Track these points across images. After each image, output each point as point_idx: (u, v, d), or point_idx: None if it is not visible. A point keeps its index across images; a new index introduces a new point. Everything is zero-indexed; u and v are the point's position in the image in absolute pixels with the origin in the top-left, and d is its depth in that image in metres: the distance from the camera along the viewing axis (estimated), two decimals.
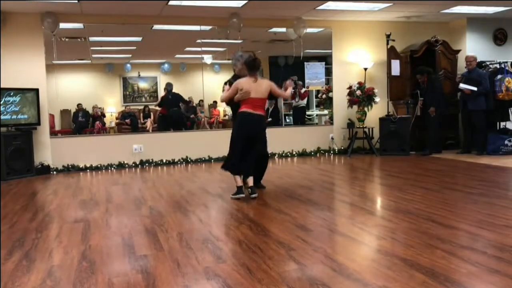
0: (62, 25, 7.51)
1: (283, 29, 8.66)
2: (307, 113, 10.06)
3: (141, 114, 10.10)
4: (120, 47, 9.58)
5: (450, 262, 2.76)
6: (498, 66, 8.22)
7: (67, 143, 7.86)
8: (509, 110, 8.25)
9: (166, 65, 10.18)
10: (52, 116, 8.43)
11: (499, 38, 9.27)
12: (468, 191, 4.94)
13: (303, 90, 9.50)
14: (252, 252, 3.09)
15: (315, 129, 9.32)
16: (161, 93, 9.86)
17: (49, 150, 7.54)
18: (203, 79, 9.00)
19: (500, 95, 7.93)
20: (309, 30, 8.57)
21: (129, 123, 9.72)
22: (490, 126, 8.26)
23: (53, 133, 8.17)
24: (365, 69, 8.82)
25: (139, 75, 10.28)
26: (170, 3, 6.97)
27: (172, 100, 9.33)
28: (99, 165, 7.76)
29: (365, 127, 8.50)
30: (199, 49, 9.08)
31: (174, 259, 3.00)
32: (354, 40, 8.96)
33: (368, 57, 8.90)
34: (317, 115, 10.14)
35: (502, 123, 8.42)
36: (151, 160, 8.03)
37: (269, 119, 8.86)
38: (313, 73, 9.16)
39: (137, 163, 7.96)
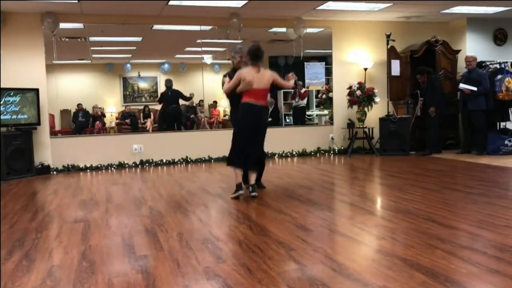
0: (62, 25, 7.52)
1: (283, 29, 8.66)
2: (307, 113, 10.06)
3: (141, 114, 10.10)
4: (120, 47, 9.58)
5: (450, 262, 2.76)
6: (498, 66, 8.22)
7: (67, 143, 7.86)
8: (509, 110, 8.25)
9: (166, 65, 10.18)
10: (52, 116, 8.43)
11: (499, 38, 9.27)
12: (468, 191, 4.94)
13: (303, 90, 9.51)
14: (252, 252, 3.09)
15: (315, 129, 9.32)
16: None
17: (49, 150, 7.54)
18: (203, 79, 9.00)
19: (500, 95, 7.93)
20: (309, 30, 8.57)
21: (129, 123, 9.72)
22: (490, 126, 8.26)
23: (53, 133, 8.17)
24: (365, 69, 8.82)
25: (139, 75, 10.28)
26: (170, 3, 6.97)
27: (171, 96, 9.34)
28: (99, 165, 7.76)
29: (365, 127, 8.50)
30: (199, 49, 9.08)
31: (174, 259, 3.00)
32: (354, 40, 8.96)
33: (368, 57, 8.90)
34: (317, 115, 10.14)
35: (502, 123, 8.42)
36: (151, 160, 8.03)
37: (269, 119, 8.85)
38: (313, 73, 9.16)
39: (137, 163, 7.96)
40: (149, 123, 9.87)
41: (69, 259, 3.07)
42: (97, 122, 9.43)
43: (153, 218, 4.17)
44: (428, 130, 8.30)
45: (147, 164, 7.99)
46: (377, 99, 8.36)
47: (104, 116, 9.80)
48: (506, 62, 8.19)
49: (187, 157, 8.21)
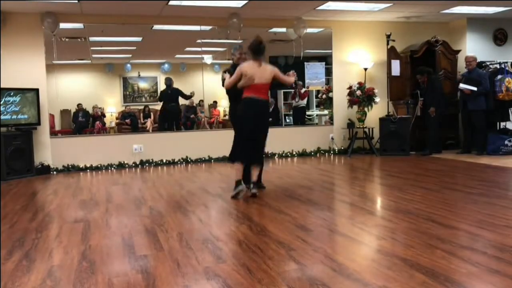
0: (62, 25, 7.52)
1: (283, 29, 8.66)
2: (307, 113, 10.06)
3: (141, 114, 10.09)
4: (120, 47, 9.57)
5: (450, 262, 2.76)
6: (498, 66, 8.22)
7: (67, 143, 7.86)
8: (509, 110, 8.25)
9: (166, 65, 10.17)
10: (52, 116, 8.42)
11: (499, 38, 9.28)
12: (468, 191, 4.94)
13: (303, 90, 9.50)
14: (252, 252, 3.09)
15: (315, 129, 9.32)
16: None
17: (49, 150, 7.55)
18: (203, 79, 9.00)
19: (500, 95, 7.93)
20: (309, 30, 8.57)
21: (129, 123, 9.72)
22: (490, 126, 8.26)
23: (53, 133, 8.17)
24: (365, 69, 8.82)
25: (139, 75, 10.27)
26: (170, 3, 6.97)
27: (171, 94, 9.34)
28: (99, 165, 7.76)
29: (365, 127, 8.50)
30: (199, 49, 9.08)
31: (174, 259, 3.00)
32: (354, 40, 8.96)
33: (368, 57, 8.90)
34: (317, 115, 10.14)
35: (502, 123, 8.42)
36: (151, 160, 8.03)
37: (270, 119, 8.84)
38: (313, 73, 9.16)
39: (137, 163, 7.96)
40: (149, 123, 9.87)
41: (69, 259, 3.07)
42: (97, 122, 9.43)
43: (153, 218, 4.17)
44: (428, 130, 8.30)
45: (147, 164, 7.99)
46: (377, 99, 8.36)
47: (104, 116, 9.79)
48: (506, 62, 8.19)
49: (187, 157, 8.21)
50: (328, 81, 9.28)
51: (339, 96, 8.76)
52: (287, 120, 10.00)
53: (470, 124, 8.09)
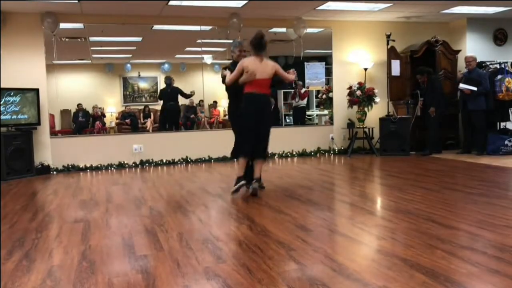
0: (62, 25, 7.52)
1: (283, 29, 8.66)
2: (307, 113, 10.06)
3: (141, 114, 10.09)
4: (120, 47, 9.58)
5: (450, 262, 2.76)
6: (498, 66, 8.22)
7: (67, 143, 7.86)
8: (509, 110, 8.25)
9: (166, 65, 10.17)
10: (52, 116, 8.42)
11: (499, 38, 9.28)
12: (468, 191, 4.94)
13: (303, 90, 9.50)
14: (252, 252, 3.09)
15: (315, 129, 9.32)
16: None
17: (49, 150, 7.55)
18: (203, 79, 9.00)
19: (500, 95, 7.93)
20: (309, 30, 8.57)
21: (129, 123, 9.72)
22: (490, 126, 8.26)
23: (53, 133, 8.17)
24: (365, 69, 8.82)
25: (139, 75, 10.27)
26: (170, 3, 6.97)
27: (170, 93, 9.35)
28: (99, 165, 7.76)
29: (365, 127, 8.50)
30: (199, 49, 9.08)
31: (174, 259, 3.00)
32: (354, 40, 8.96)
33: (368, 57, 8.90)
34: (317, 115, 10.14)
35: (502, 123, 8.42)
36: (151, 160, 8.03)
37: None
38: (313, 73, 9.16)
39: (137, 163, 7.96)
40: (149, 123, 9.87)
41: (69, 259, 3.07)
42: (97, 122, 9.43)
43: (153, 218, 4.17)
44: (428, 130, 8.30)
45: (147, 164, 7.99)
46: (377, 99, 8.36)
47: (104, 116, 9.79)
48: (506, 62, 8.19)
49: (187, 157, 8.21)
50: (328, 81, 9.28)
51: (339, 96, 8.76)
52: (287, 120, 10.00)
53: (470, 124, 8.09)
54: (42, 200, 5.37)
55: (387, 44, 8.52)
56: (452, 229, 3.49)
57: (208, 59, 9.28)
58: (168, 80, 9.43)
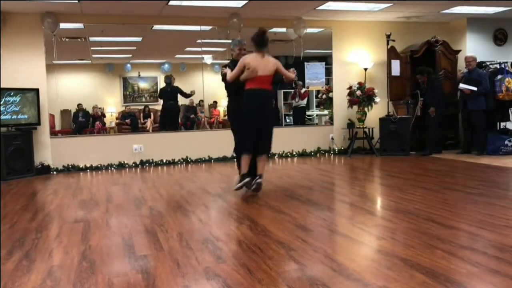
0: (62, 25, 7.52)
1: (283, 29, 8.66)
2: (307, 113, 10.05)
3: (141, 114, 10.09)
4: (120, 47, 9.57)
5: (450, 262, 2.76)
6: (498, 66, 8.22)
7: (67, 143, 7.86)
8: (509, 110, 8.26)
9: (166, 65, 10.17)
10: (52, 116, 8.42)
11: (499, 38, 9.28)
12: (468, 191, 4.94)
13: (303, 90, 9.50)
14: (252, 252, 3.09)
15: (315, 129, 9.32)
16: None
17: (49, 150, 7.55)
18: (203, 79, 9.00)
19: (500, 95, 7.93)
20: (309, 30, 8.57)
21: (129, 123, 9.71)
22: (490, 126, 8.26)
23: (53, 133, 8.17)
24: (365, 69, 8.82)
25: (139, 75, 10.27)
26: (170, 3, 6.97)
27: (170, 92, 9.35)
28: (99, 165, 7.76)
29: (365, 127, 8.50)
30: (199, 49, 9.08)
31: (174, 259, 3.00)
32: (354, 40, 8.96)
33: (368, 57, 8.90)
34: (317, 115, 10.13)
35: (502, 123, 8.42)
36: (151, 160, 8.03)
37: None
38: (313, 73, 9.16)
39: (137, 163, 7.96)
40: (149, 123, 9.86)
41: (69, 259, 3.07)
42: (97, 122, 9.42)
43: (153, 218, 4.17)
44: (428, 130, 8.30)
45: (147, 164, 7.99)
46: (377, 99, 8.36)
47: (104, 116, 9.79)
48: (506, 62, 8.19)
49: (187, 157, 8.21)
50: (328, 81, 9.28)
51: (339, 96, 8.76)
52: (287, 120, 10.00)
53: (470, 124, 8.09)
54: (42, 200, 5.37)
55: (387, 44, 8.52)
56: (452, 229, 3.49)
57: (208, 59, 9.28)
58: (168, 79, 9.43)
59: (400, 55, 8.75)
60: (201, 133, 9.03)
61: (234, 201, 4.84)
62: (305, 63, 9.04)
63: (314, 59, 9.29)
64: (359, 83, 8.44)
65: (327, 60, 9.22)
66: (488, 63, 8.45)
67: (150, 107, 10.13)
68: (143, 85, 10.33)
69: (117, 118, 9.92)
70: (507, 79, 7.90)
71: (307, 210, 4.32)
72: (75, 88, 9.63)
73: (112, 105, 10.07)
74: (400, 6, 7.81)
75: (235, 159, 5.48)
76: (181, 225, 3.90)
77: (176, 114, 9.49)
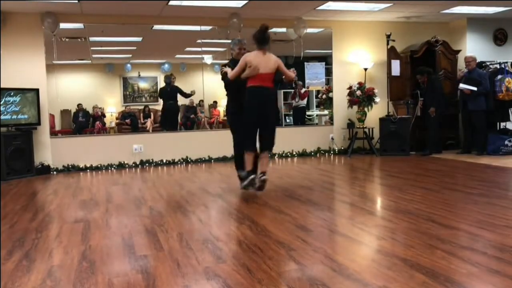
0: (62, 25, 7.52)
1: (283, 29, 8.65)
2: (307, 113, 10.05)
3: (141, 114, 10.09)
4: (120, 47, 9.58)
5: (450, 262, 2.76)
6: (498, 66, 8.22)
7: (67, 143, 7.86)
8: (509, 110, 8.26)
9: (166, 65, 10.17)
10: (52, 116, 8.42)
11: (499, 38, 9.28)
12: (468, 192, 4.94)
13: (303, 90, 9.50)
14: (252, 252, 3.09)
15: (315, 129, 9.32)
16: None
17: (49, 150, 7.55)
18: (203, 79, 9.00)
19: (500, 95, 7.93)
20: (309, 30, 8.57)
21: (129, 123, 9.71)
22: (490, 126, 8.26)
23: (53, 133, 8.17)
24: (365, 69, 8.82)
25: (139, 75, 10.27)
26: (170, 3, 6.97)
27: (170, 92, 9.36)
28: (99, 165, 7.76)
29: (365, 127, 8.50)
30: (199, 49, 9.08)
31: (174, 259, 3.00)
32: (354, 40, 8.96)
33: (368, 57, 8.90)
34: (317, 115, 10.13)
35: (502, 123, 8.42)
36: (151, 160, 8.03)
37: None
38: (313, 73, 9.16)
39: (137, 163, 7.96)
40: (149, 123, 9.86)
41: (69, 259, 3.07)
42: (97, 122, 9.42)
43: (153, 218, 4.17)
44: (428, 130, 8.30)
45: (147, 164, 7.99)
46: (377, 99, 8.36)
47: (104, 116, 9.79)
48: (506, 62, 8.19)
49: (187, 157, 8.21)
50: (328, 81, 9.28)
51: (339, 96, 8.76)
52: (287, 120, 10.00)
53: (470, 124, 8.09)
54: (42, 200, 5.37)
55: (387, 44, 8.52)
56: (452, 229, 3.49)
57: (208, 59, 9.29)
58: (168, 79, 9.43)
59: (400, 55, 8.75)
60: (201, 133, 9.03)
61: (234, 201, 4.84)
62: (305, 63, 9.04)
63: (314, 59, 9.29)
64: (359, 83, 8.44)
65: (327, 60, 9.22)
66: (488, 63, 8.45)
67: (150, 107, 10.13)
68: (143, 85, 10.33)
69: (117, 118, 9.92)
70: (507, 79, 7.91)
71: (307, 210, 4.32)
72: (75, 88, 9.63)
73: (112, 105, 10.08)
74: (400, 6, 7.81)
75: (234, 159, 5.48)
76: (181, 225, 3.90)
77: (176, 114, 9.49)
